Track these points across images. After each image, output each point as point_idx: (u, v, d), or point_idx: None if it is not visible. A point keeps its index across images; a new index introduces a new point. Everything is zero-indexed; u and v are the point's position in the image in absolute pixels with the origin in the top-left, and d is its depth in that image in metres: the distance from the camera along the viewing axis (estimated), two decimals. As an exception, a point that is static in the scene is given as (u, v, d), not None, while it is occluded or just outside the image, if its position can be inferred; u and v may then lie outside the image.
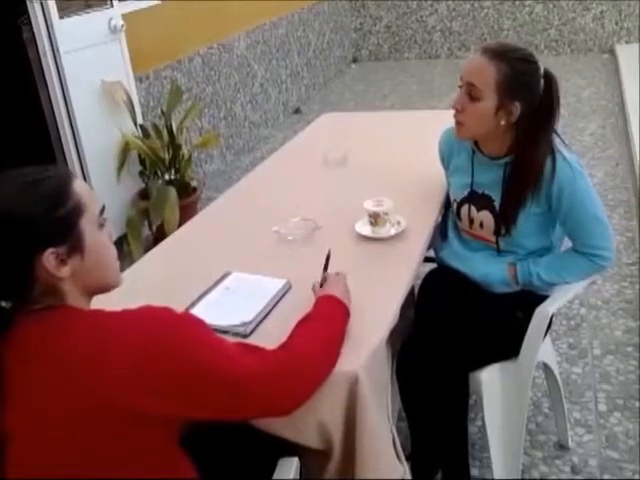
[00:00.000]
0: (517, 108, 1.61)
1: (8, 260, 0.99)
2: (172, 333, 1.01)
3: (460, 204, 1.81)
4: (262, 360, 1.11)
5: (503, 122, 1.63)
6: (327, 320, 1.33)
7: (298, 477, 1.27)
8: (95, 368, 0.95)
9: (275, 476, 1.23)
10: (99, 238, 1.07)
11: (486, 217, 1.75)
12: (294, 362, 1.17)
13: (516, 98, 1.61)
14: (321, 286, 1.49)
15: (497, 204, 1.72)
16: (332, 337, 1.31)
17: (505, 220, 1.70)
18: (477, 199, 1.77)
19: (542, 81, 1.63)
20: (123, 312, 1.03)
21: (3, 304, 1.03)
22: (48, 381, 0.96)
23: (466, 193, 1.80)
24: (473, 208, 1.78)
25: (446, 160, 1.93)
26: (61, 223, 1.00)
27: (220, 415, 1.08)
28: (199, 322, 1.08)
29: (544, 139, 1.63)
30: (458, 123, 1.69)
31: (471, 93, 1.63)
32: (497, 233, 1.74)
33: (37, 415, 0.96)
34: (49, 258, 0.98)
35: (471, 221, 1.79)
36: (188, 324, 1.06)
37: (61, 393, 0.95)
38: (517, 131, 1.65)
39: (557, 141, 1.67)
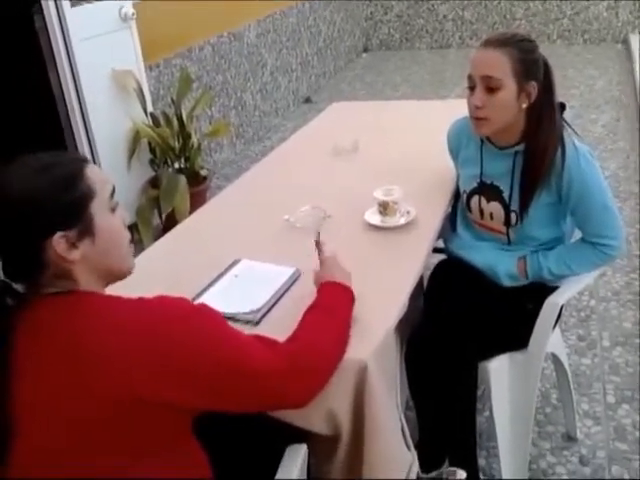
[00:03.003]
0: (534, 87, 1.62)
1: (19, 242, 1.00)
2: (190, 324, 1.02)
3: (470, 195, 1.81)
4: (276, 354, 1.12)
5: (524, 105, 1.63)
6: (334, 309, 1.33)
7: (306, 464, 1.28)
8: (114, 356, 0.96)
9: (283, 462, 1.23)
10: (111, 222, 1.07)
11: (496, 208, 1.74)
12: (306, 355, 1.17)
13: (531, 77, 1.62)
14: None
15: (506, 195, 1.71)
16: (340, 326, 1.31)
17: (516, 210, 1.70)
18: (487, 190, 1.76)
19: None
20: (139, 300, 1.04)
21: (16, 287, 1.04)
22: (62, 363, 0.97)
23: (475, 184, 1.79)
24: (483, 199, 1.77)
25: (455, 152, 1.92)
26: (71, 207, 1.01)
27: (235, 407, 1.09)
28: (216, 314, 1.09)
29: (552, 124, 1.63)
30: (480, 119, 1.65)
31: (489, 86, 1.61)
32: (507, 224, 1.73)
33: (51, 395, 0.96)
34: (59, 241, 0.99)
35: (481, 212, 1.79)
36: (206, 316, 1.06)
37: (76, 377, 0.96)
38: (527, 116, 1.65)
39: (568, 131, 1.66)
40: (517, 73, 1.60)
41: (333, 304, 1.35)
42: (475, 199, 1.79)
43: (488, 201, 1.76)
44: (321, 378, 1.20)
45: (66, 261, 1.01)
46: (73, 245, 1.01)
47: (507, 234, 1.76)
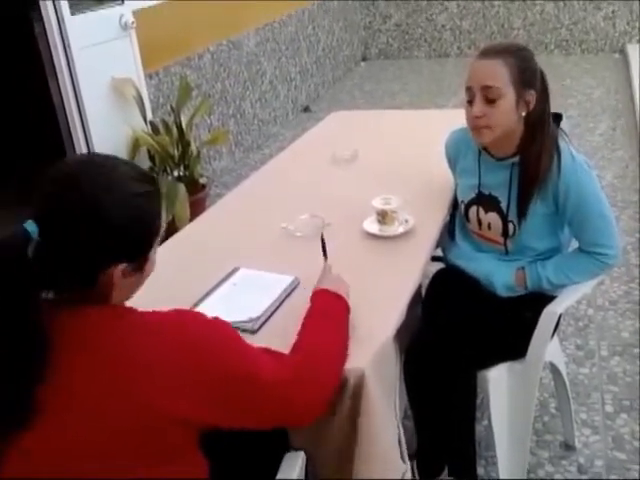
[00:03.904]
0: (533, 96, 1.63)
1: (87, 260, 0.99)
2: (206, 338, 1.03)
3: (468, 206, 1.82)
4: (283, 366, 1.13)
5: (523, 113, 1.64)
6: (329, 314, 1.34)
7: (304, 471, 1.28)
8: (138, 367, 0.97)
9: (281, 470, 1.23)
10: (155, 257, 1.10)
11: (493, 218, 1.75)
12: (312, 364, 1.18)
13: (529, 86, 1.62)
14: None
15: (504, 206, 1.72)
16: (340, 337, 1.32)
17: (512, 220, 1.70)
18: (485, 200, 1.77)
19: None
20: (156, 314, 1.04)
21: (46, 295, 1.02)
22: (102, 371, 0.97)
23: (473, 194, 1.80)
24: (481, 210, 1.78)
25: (453, 162, 1.93)
26: (145, 241, 1.04)
27: (245, 423, 1.09)
28: (229, 327, 1.10)
29: (546, 133, 1.64)
30: (481, 128, 1.65)
31: (488, 96, 1.61)
32: (505, 235, 1.74)
33: (84, 397, 0.96)
34: (119, 270, 1.00)
35: (479, 222, 1.80)
36: (220, 329, 1.07)
37: (116, 385, 0.96)
38: (525, 125, 1.66)
39: (565, 141, 1.67)
40: (516, 81, 1.60)
41: (327, 309, 1.35)
42: (473, 209, 1.80)
43: (486, 212, 1.77)
44: (326, 391, 1.20)
45: (113, 285, 1.02)
46: (126, 274, 1.02)
47: (505, 244, 1.76)
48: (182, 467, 1.04)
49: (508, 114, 1.63)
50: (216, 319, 1.10)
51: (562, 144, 1.65)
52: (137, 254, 1.03)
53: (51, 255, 0.97)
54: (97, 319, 1.00)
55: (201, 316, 1.07)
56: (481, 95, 1.62)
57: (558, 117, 1.72)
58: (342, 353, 1.29)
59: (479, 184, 1.78)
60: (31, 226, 0.96)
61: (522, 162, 1.67)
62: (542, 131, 1.64)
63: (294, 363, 1.16)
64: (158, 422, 0.97)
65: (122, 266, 1.00)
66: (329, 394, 1.21)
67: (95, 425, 0.96)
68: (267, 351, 1.15)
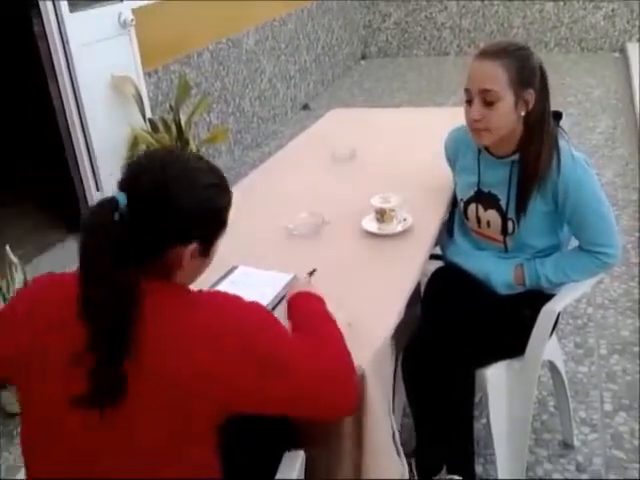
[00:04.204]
0: (532, 95, 1.62)
1: (166, 235, 1.05)
2: (264, 326, 1.09)
3: (467, 203, 1.82)
4: (317, 356, 1.15)
5: (523, 113, 1.64)
6: (324, 317, 1.34)
7: (303, 471, 1.28)
8: (199, 339, 1.02)
9: (281, 469, 1.23)
10: (216, 250, 1.16)
11: (493, 216, 1.75)
12: (339, 361, 1.20)
13: (528, 86, 1.62)
14: None
15: (503, 203, 1.72)
16: (329, 317, 1.33)
17: (512, 218, 1.70)
18: (484, 198, 1.77)
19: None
20: (209, 294, 1.11)
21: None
22: (178, 346, 1.00)
23: (473, 192, 1.80)
24: (480, 207, 1.78)
25: (452, 160, 1.93)
26: (212, 229, 1.12)
27: (273, 408, 1.11)
28: (278, 319, 1.15)
29: (545, 131, 1.63)
30: (480, 131, 1.66)
31: (486, 99, 1.61)
32: (504, 232, 1.74)
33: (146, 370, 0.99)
34: (189, 251, 1.07)
35: (478, 220, 1.80)
36: (274, 319, 1.13)
37: (167, 353, 1.00)
38: (524, 124, 1.65)
39: (565, 139, 1.66)
40: (514, 83, 1.60)
41: (308, 302, 1.36)
42: (472, 207, 1.80)
43: (485, 209, 1.77)
44: (352, 378, 1.21)
45: (179, 265, 1.07)
46: (194, 256, 1.08)
47: (504, 242, 1.76)
48: (207, 451, 1.07)
49: (507, 116, 1.62)
50: (268, 310, 1.18)
51: (562, 142, 1.65)
52: (206, 239, 1.10)
53: (131, 225, 1.03)
54: (160, 293, 1.05)
55: (258, 305, 1.14)
56: (479, 97, 1.62)
57: (558, 115, 1.72)
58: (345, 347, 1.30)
59: (478, 182, 1.78)
60: (121, 196, 1.03)
61: (522, 160, 1.66)
62: (542, 129, 1.64)
63: (327, 354, 1.17)
64: (200, 401, 1.01)
65: (192, 247, 1.06)
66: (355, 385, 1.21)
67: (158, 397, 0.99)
68: (301, 338, 1.18)
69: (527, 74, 1.62)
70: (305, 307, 1.35)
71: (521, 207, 1.67)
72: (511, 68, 1.59)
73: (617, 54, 6.81)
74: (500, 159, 1.72)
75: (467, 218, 1.83)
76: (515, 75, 1.60)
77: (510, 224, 1.72)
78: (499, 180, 1.73)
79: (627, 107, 5.13)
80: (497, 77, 1.59)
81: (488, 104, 1.61)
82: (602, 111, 5.18)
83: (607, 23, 6.92)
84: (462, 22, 7.42)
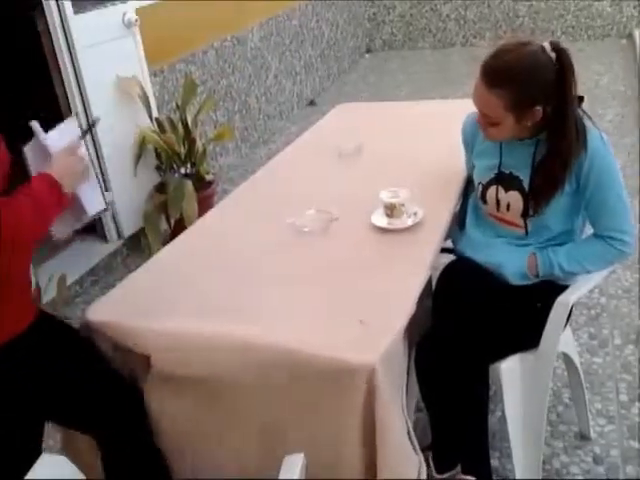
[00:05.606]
0: (538, 110, 1.60)
1: None
2: None
3: (486, 186, 1.79)
4: None
5: (529, 123, 1.63)
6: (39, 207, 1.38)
7: (304, 474, 1.26)
8: None
9: (281, 474, 1.21)
10: None
11: (513, 197, 1.72)
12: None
13: (532, 105, 1.59)
14: None
15: (526, 184, 1.70)
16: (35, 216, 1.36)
17: (537, 199, 1.67)
18: (505, 180, 1.74)
19: (552, 55, 1.60)
20: None
21: None
22: None
23: (493, 175, 1.77)
24: (501, 189, 1.75)
25: (470, 143, 1.90)
26: None
27: None
28: None
29: (570, 109, 1.61)
30: (489, 135, 1.70)
31: (487, 119, 1.64)
32: (525, 214, 1.72)
33: None
34: None
35: (498, 203, 1.76)
36: None
37: None
38: (543, 115, 1.62)
39: (591, 121, 1.65)
40: (514, 109, 1.59)
41: (38, 197, 1.39)
42: (492, 190, 1.77)
43: (506, 191, 1.74)
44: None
45: None
46: None
47: (525, 225, 1.74)
48: None
49: (511, 131, 1.65)
50: None
51: (588, 123, 1.64)
52: None
53: None
54: None
55: None
56: (482, 114, 1.66)
57: (579, 99, 1.70)
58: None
59: (500, 164, 1.76)
60: None
61: (549, 138, 1.64)
62: (565, 114, 1.60)
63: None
64: None
65: None
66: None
67: None
68: None
69: (530, 94, 1.58)
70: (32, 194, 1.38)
71: (547, 192, 1.65)
72: (510, 96, 1.57)
73: (624, 41, 6.74)
74: (522, 140, 1.70)
75: (485, 202, 1.80)
76: (514, 101, 1.58)
77: (532, 204, 1.69)
78: (522, 161, 1.71)
79: (635, 94, 5.07)
80: (495, 106, 1.60)
81: (491, 124, 1.65)
82: (611, 99, 5.13)
83: (614, 10, 6.85)
84: (467, 13, 7.37)
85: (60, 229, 1.55)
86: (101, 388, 1.49)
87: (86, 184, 1.54)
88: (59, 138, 1.54)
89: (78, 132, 1.59)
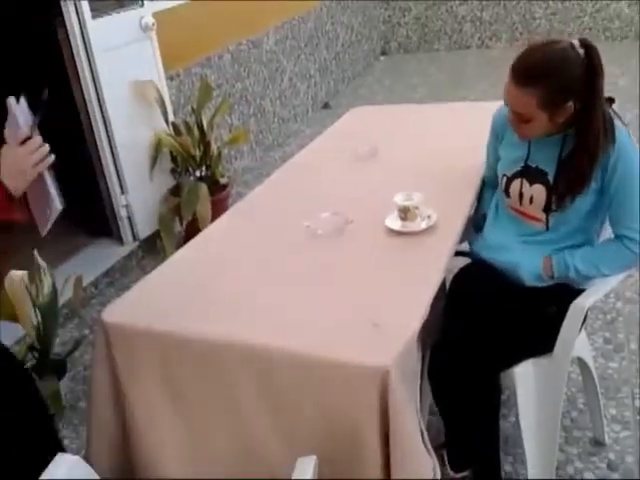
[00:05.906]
0: (570, 106, 1.60)
1: None
2: None
3: (511, 179, 1.79)
4: None
5: (561, 120, 1.63)
6: None
7: (316, 476, 1.27)
8: None
9: (294, 474, 1.22)
10: None
11: (537, 190, 1.72)
12: None
13: (565, 101, 1.59)
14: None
15: (551, 177, 1.70)
16: None
17: (561, 194, 1.67)
18: (531, 173, 1.74)
19: (580, 52, 1.59)
20: None
21: None
22: None
23: (519, 168, 1.77)
24: (525, 182, 1.75)
25: (500, 134, 1.90)
26: None
27: None
28: None
29: (598, 105, 1.61)
30: (519, 129, 1.70)
31: (520, 118, 1.65)
32: (547, 209, 1.71)
33: None
34: None
35: (521, 197, 1.76)
36: None
37: None
38: (574, 111, 1.63)
39: (620, 120, 1.66)
40: (546, 106, 1.59)
41: None
42: (516, 182, 1.77)
43: (531, 184, 1.74)
44: None
45: None
46: None
47: (546, 220, 1.73)
48: None
49: (543, 128, 1.65)
50: None
51: (616, 121, 1.64)
52: None
53: None
54: None
55: None
56: (514, 113, 1.66)
57: (610, 100, 1.70)
58: None
59: (527, 157, 1.76)
60: None
61: (578, 134, 1.64)
62: (593, 111, 1.61)
63: None
64: None
65: None
66: None
67: None
68: None
69: (562, 91, 1.59)
70: None
71: (577, 181, 1.64)
72: (542, 94, 1.58)
73: (643, 42, 6.68)
74: (550, 135, 1.70)
75: (508, 195, 1.80)
76: (546, 98, 1.58)
77: (555, 199, 1.69)
78: (549, 155, 1.71)
79: (654, 96, 5.02)
80: (526, 104, 1.60)
81: (523, 121, 1.65)
82: (628, 101, 5.07)
83: (632, 10, 6.79)
84: (483, 14, 7.34)
85: (42, 224, 1.43)
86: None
87: (47, 174, 1.38)
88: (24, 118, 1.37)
89: (30, 116, 1.40)
